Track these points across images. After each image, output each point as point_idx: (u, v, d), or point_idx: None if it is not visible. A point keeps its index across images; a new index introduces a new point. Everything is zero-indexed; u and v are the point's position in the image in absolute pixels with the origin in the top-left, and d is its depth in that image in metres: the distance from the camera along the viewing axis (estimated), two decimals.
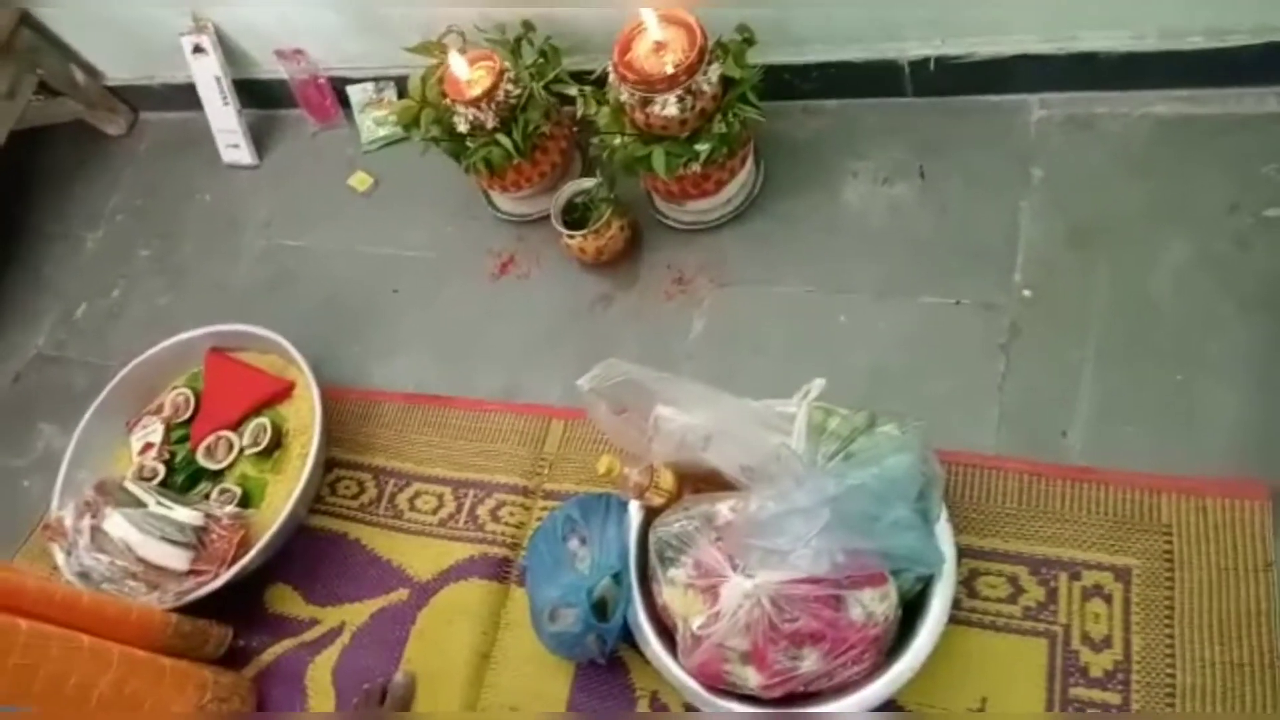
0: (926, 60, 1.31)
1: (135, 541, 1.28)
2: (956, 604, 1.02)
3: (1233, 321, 1.10)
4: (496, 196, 1.55)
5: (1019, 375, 1.15)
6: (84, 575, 1.29)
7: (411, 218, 1.63)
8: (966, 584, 1.06)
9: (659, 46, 1.21)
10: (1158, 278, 1.15)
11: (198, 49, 1.72)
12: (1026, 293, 1.20)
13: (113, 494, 1.34)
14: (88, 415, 1.48)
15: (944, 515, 1.00)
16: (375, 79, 1.72)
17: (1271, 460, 1.02)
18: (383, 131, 1.71)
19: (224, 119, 1.81)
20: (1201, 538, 1.01)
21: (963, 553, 1.05)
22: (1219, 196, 1.17)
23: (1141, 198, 1.21)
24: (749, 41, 1.25)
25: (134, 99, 2.00)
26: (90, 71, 1.91)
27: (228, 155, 1.84)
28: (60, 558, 1.32)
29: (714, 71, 1.21)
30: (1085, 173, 1.25)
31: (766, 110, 1.27)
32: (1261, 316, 1.09)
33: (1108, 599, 1.01)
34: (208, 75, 1.75)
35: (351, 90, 1.74)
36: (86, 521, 1.31)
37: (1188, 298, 1.13)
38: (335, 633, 1.27)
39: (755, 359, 1.28)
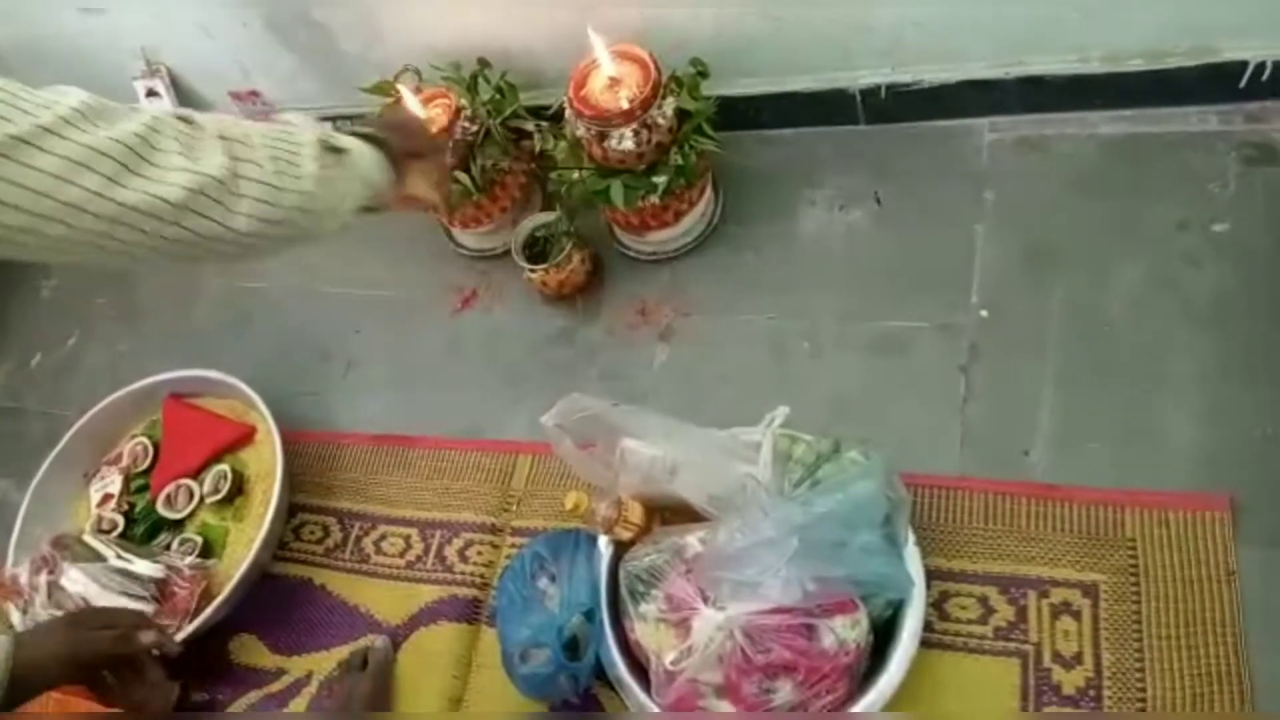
0: (878, 88, 1.33)
1: (94, 597, 1.25)
2: (928, 627, 1.02)
3: (1187, 336, 1.12)
4: (457, 232, 1.55)
5: (980, 396, 1.17)
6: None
7: (371, 256, 1.62)
8: (937, 606, 1.06)
9: (613, 82, 1.22)
10: (1112, 295, 1.17)
11: (151, 93, 1.70)
12: (984, 314, 1.21)
13: (70, 548, 1.31)
14: (44, 467, 1.45)
15: (911, 539, 1.00)
16: (332, 118, 1.72)
17: (1230, 471, 1.04)
18: None
19: None
20: (1165, 551, 1.02)
21: (932, 575, 1.05)
22: (1168, 214, 1.20)
23: (1093, 217, 1.23)
24: (703, 74, 1.27)
25: None
26: None
27: None
28: (16, 617, 1.28)
29: (669, 105, 1.22)
30: (1037, 194, 1.27)
31: (723, 141, 1.28)
32: (1214, 330, 1.11)
33: (1077, 616, 1.02)
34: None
35: None
36: (43, 578, 1.28)
37: (1143, 314, 1.15)
38: (302, 683, 1.24)
39: (720, 387, 1.28)
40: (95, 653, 1.00)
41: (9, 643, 0.93)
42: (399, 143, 0.95)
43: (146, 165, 0.69)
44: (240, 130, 0.78)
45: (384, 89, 1.40)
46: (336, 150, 0.86)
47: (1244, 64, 1.17)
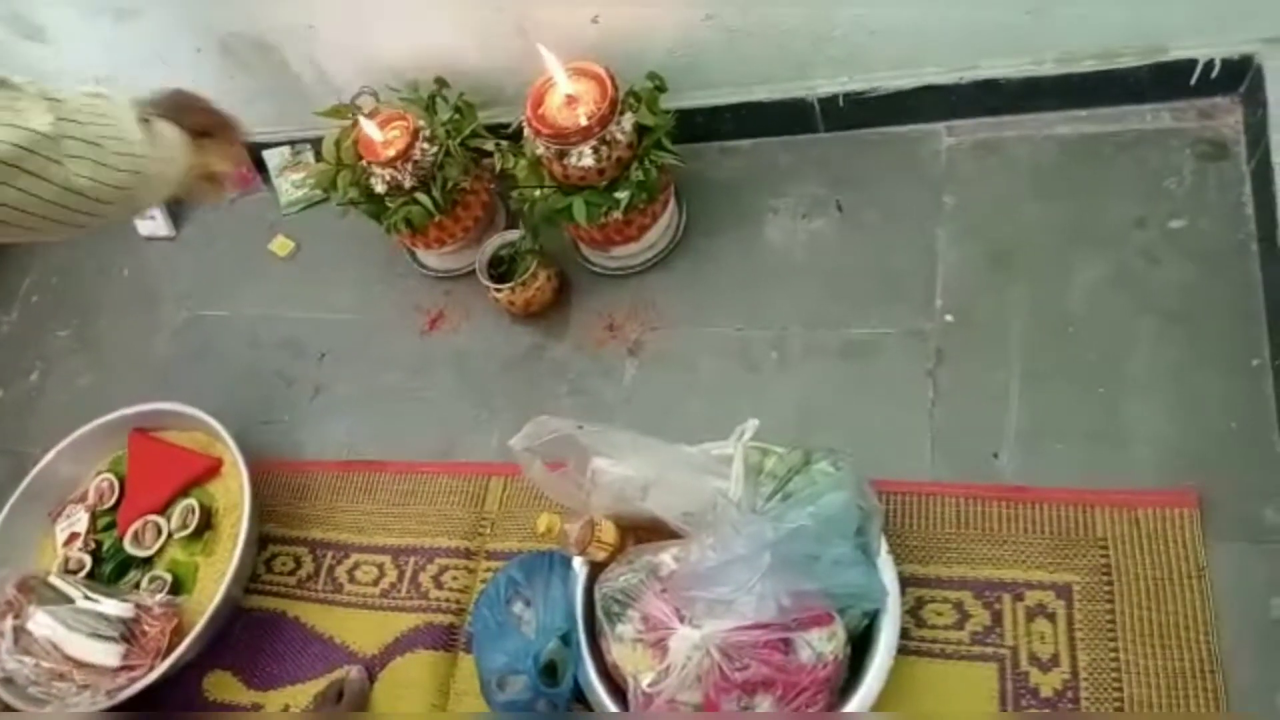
0: (835, 96, 1.33)
1: (62, 640, 1.23)
2: (905, 634, 1.03)
3: (1149, 333, 1.13)
4: (421, 253, 1.54)
5: (948, 400, 1.17)
6: (8, 681, 1.23)
7: (336, 279, 1.60)
8: (913, 613, 1.06)
9: (571, 99, 1.21)
10: (1074, 294, 1.18)
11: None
12: (949, 318, 1.22)
13: (36, 590, 1.28)
14: (7, 507, 1.42)
15: (885, 548, 1.00)
16: (291, 142, 1.70)
17: (1197, 466, 1.05)
18: (301, 194, 1.68)
19: None
20: (1136, 549, 1.03)
21: (906, 582, 1.05)
22: (1126, 212, 1.21)
23: (1052, 217, 1.24)
24: (660, 89, 1.26)
25: None
26: None
27: (144, 228, 1.80)
28: None
29: (627, 120, 1.21)
30: (996, 196, 1.28)
31: (684, 153, 1.28)
32: (1176, 326, 1.12)
33: (1051, 617, 1.02)
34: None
35: (268, 154, 1.71)
36: (9, 623, 1.25)
37: (1105, 312, 1.16)
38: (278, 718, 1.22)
39: (690, 401, 1.28)
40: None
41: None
42: (188, 121, 0.93)
43: None
44: (59, 91, 0.76)
45: (340, 112, 1.39)
46: (145, 120, 0.84)
47: (1193, 62, 1.19)
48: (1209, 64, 1.18)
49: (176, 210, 1.80)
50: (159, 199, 0.89)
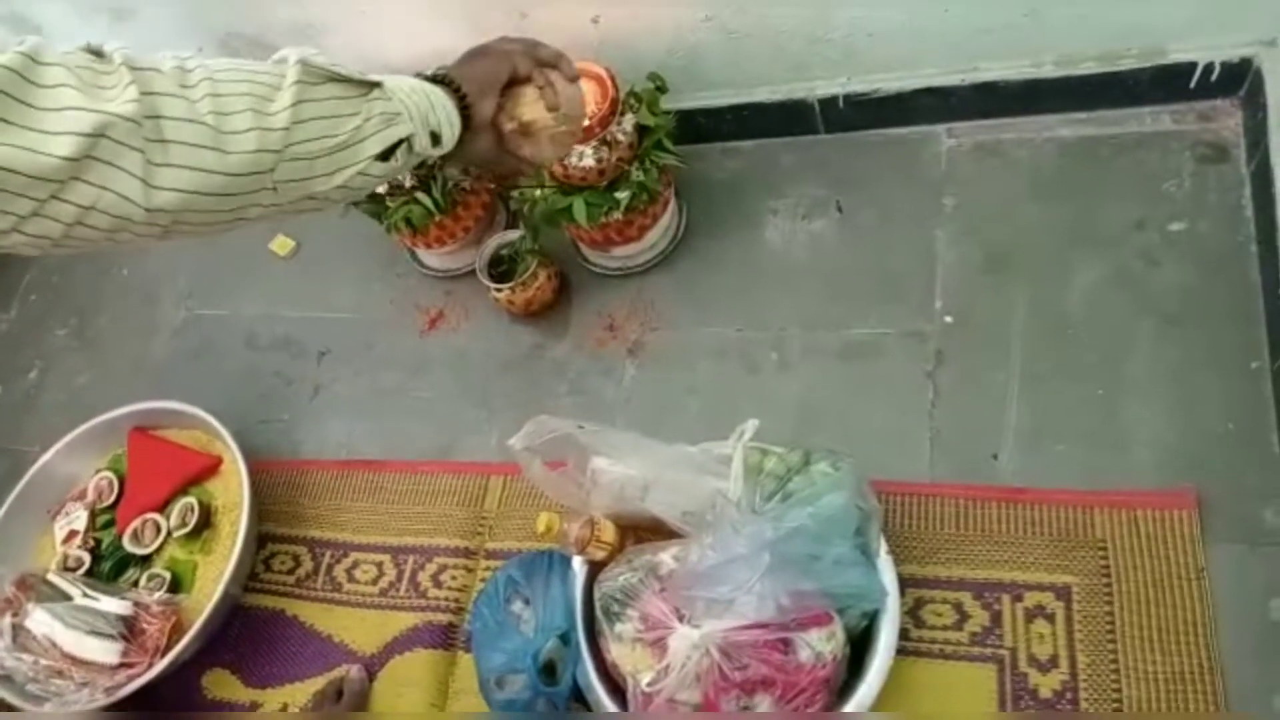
0: (835, 98, 1.33)
1: (61, 638, 1.23)
2: (904, 635, 1.03)
3: (1148, 335, 1.13)
4: (421, 253, 1.54)
5: (947, 401, 1.17)
6: (6, 678, 1.23)
7: (336, 279, 1.60)
8: (912, 614, 1.06)
9: None
10: (1074, 296, 1.18)
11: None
12: (948, 319, 1.22)
13: (35, 588, 1.28)
14: (6, 505, 1.42)
15: (884, 548, 1.00)
16: None
17: (1196, 468, 1.05)
18: None
19: None
20: (1136, 550, 1.03)
21: (906, 583, 1.05)
22: (1125, 214, 1.21)
23: (1052, 219, 1.24)
24: (661, 89, 1.27)
25: None
26: None
27: None
28: None
29: (628, 121, 1.21)
30: (996, 198, 1.28)
31: (684, 154, 1.29)
32: (1174, 328, 1.13)
33: (1050, 618, 1.02)
34: None
35: None
36: (7, 620, 1.25)
37: (1104, 314, 1.16)
38: (277, 716, 1.22)
39: (689, 401, 1.28)
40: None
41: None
42: (478, 72, 0.76)
43: (19, 108, 0.52)
44: (174, 61, 0.61)
45: None
46: (345, 80, 0.67)
47: (1193, 64, 1.19)
48: (1209, 66, 1.18)
49: None
50: (324, 196, 0.68)
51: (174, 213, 0.59)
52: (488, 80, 0.77)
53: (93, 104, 0.54)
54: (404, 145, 0.71)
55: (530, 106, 0.81)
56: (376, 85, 0.69)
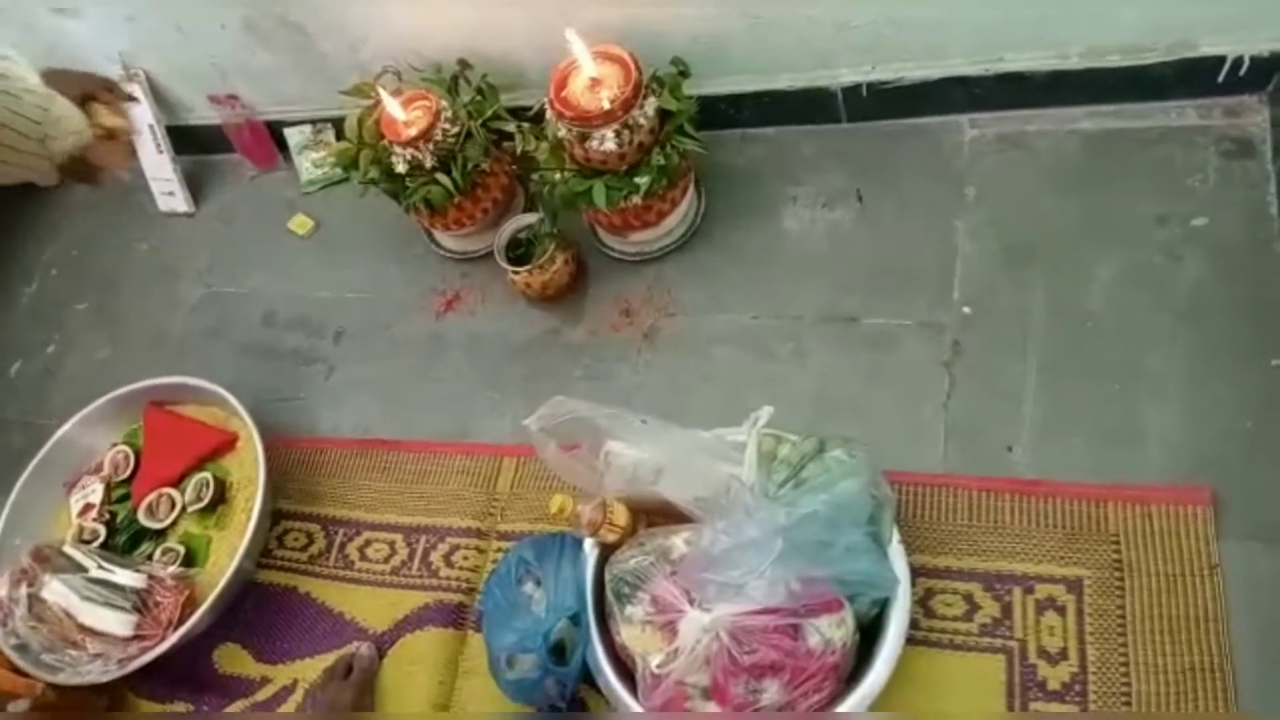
0: (858, 86, 1.33)
1: (76, 608, 1.24)
2: (914, 624, 1.02)
3: (1167, 330, 1.13)
4: (439, 234, 1.54)
5: (963, 393, 1.17)
6: (22, 648, 1.25)
7: (354, 259, 1.61)
8: (922, 604, 1.06)
9: (594, 83, 1.21)
10: (1093, 290, 1.18)
11: (130, 97, 1.68)
12: (966, 310, 1.21)
13: (51, 559, 1.29)
14: (24, 477, 1.43)
15: (896, 537, 1.00)
16: (313, 121, 1.71)
17: (1211, 464, 1.04)
18: (321, 173, 1.69)
19: (159, 167, 1.77)
20: (1148, 545, 1.03)
21: (917, 573, 1.05)
22: (1148, 208, 1.20)
23: (1073, 212, 1.23)
24: (684, 74, 1.26)
25: None
26: None
27: (164, 203, 1.81)
28: None
29: (650, 105, 1.21)
30: (1018, 190, 1.27)
31: (705, 140, 1.28)
32: (1193, 324, 1.12)
33: (1061, 611, 1.02)
34: (141, 123, 1.72)
35: (289, 133, 1.72)
36: (23, 590, 1.26)
37: (1123, 309, 1.16)
38: (288, 691, 1.23)
39: (704, 387, 1.28)
40: None
41: None
42: (65, 89, 0.97)
43: None
44: None
45: (363, 90, 1.39)
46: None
47: (1221, 59, 1.18)
48: (1237, 61, 1.17)
49: (197, 186, 1.81)
50: (70, 146, 0.94)
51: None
52: (70, 90, 0.97)
53: None
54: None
55: (108, 118, 1.01)
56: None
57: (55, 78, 0.98)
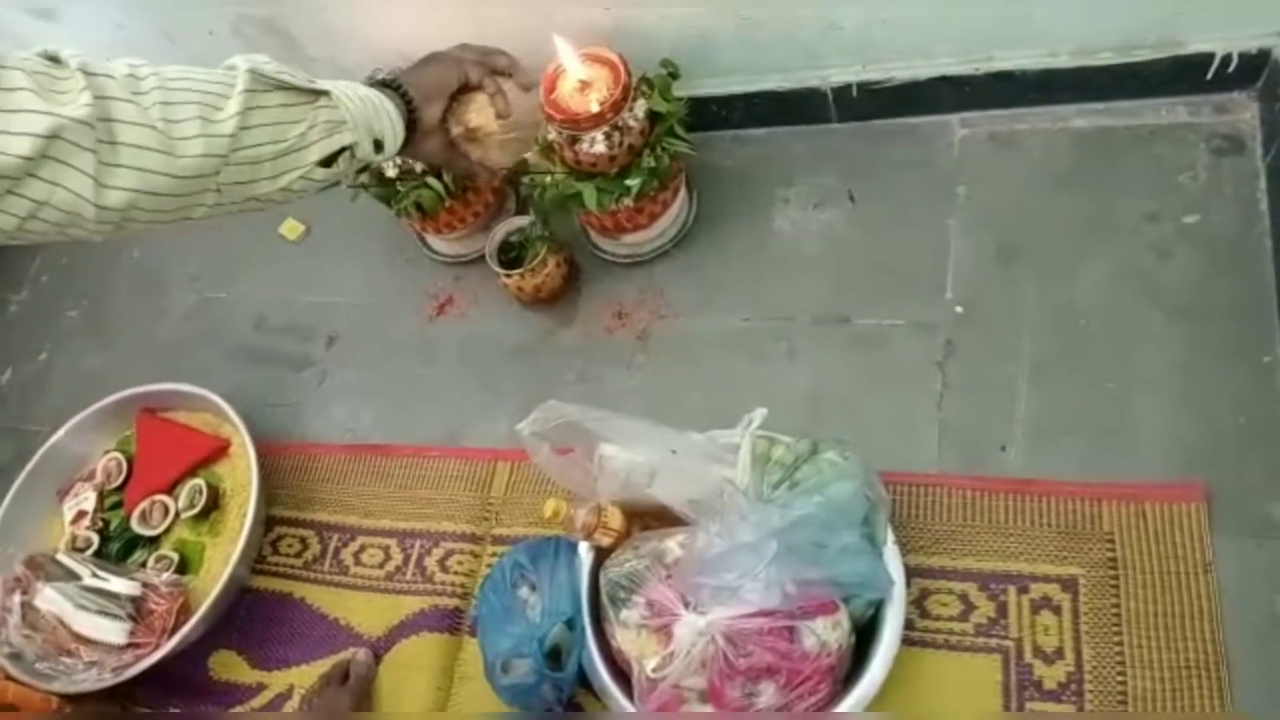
0: (849, 86, 1.33)
1: (69, 616, 1.24)
2: (909, 625, 1.02)
3: (1159, 328, 1.13)
4: (431, 238, 1.53)
5: (956, 392, 1.17)
6: (16, 656, 1.24)
7: (345, 263, 1.60)
8: (918, 604, 1.06)
9: (584, 85, 1.21)
10: (1085, 288, 1.18)
11: None
12: (959, 310, 1.21)
13: (44, 567, 1.29)
14: (15, 486, 1.42)
15: (891, 538, 1.00)
16: None
17: (1205, 461, 1.04)
18: None
19: None
20: (1143, 543, 1.03)
21: (912, 573, 1.05)
22: (1139, 206, 1.20)
23: (1065, 210, 1.23)
24: (673, 75, 1.26)
25: None
26: None
27: None
28: None
29: (640, 107, 1.21)
30: (1009, 189, 1.27)
31: (695, 141, 1.28)
32: (1185, 321, 1.12)
33: (1057, 610, 1.02)
34: None
35: None
36: (16, 599, 1.26)
37: (1115, 307, 1.16)
38: (284, 697, 1.23)
39: (697, 389, 1.28)
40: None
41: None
42: (429, 79, 0.81)
43: None
44: (126, 68, 0.65)
45: None
46: (292, 88, 0.71)
47: (1210, 56, 1.18)
48: (1226, 58, 1.17)
49: None
50: (266, 197, 0.73)
51: (122, 211, 0.64)
52: (436, 86, 0.84)
53: (48, 107, 0.58)
54: (346, 152, 0.76)
55: (478, 113, 0.87)
56: (324, 93, 0.74)
57: (410, 77, 0.86)
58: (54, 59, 0.62)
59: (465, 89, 0.86)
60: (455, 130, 0.86)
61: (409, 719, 1.17)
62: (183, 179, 0.66)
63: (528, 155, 1.02)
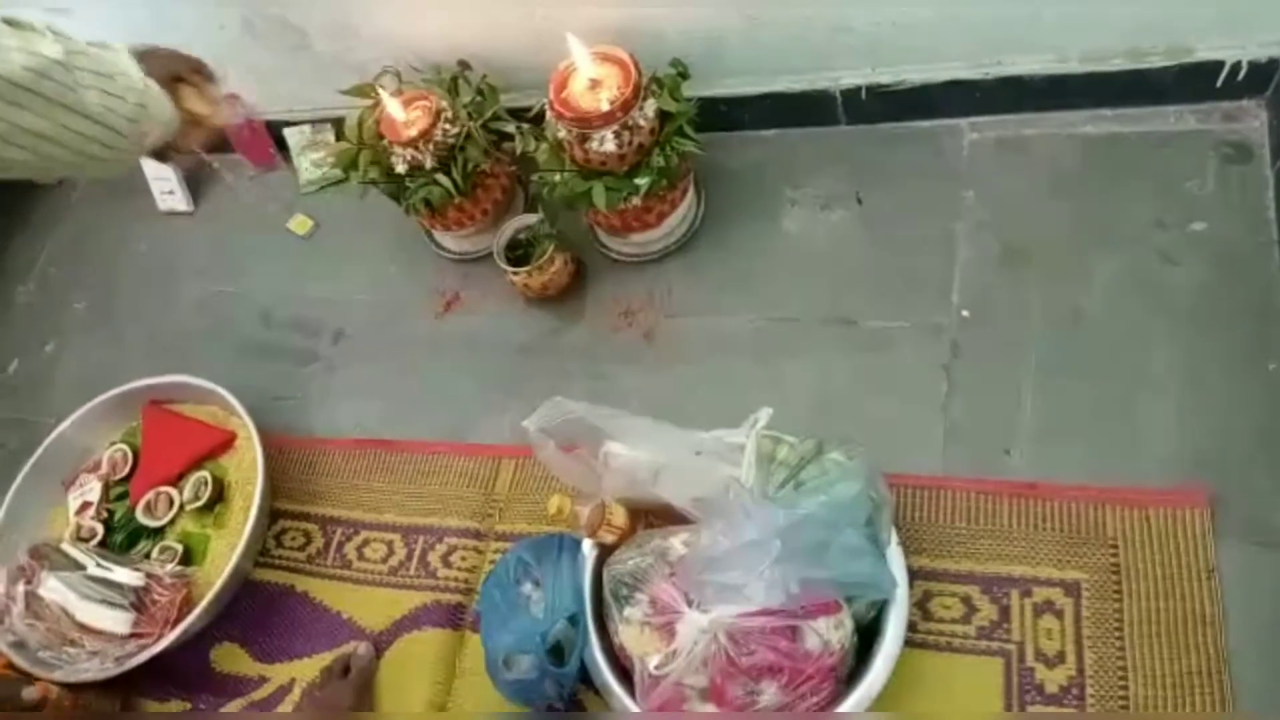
0: (858, 89, 1.33)
1: (73, 606, 1.24)
2: (912, 627, 1.03)
3: (1164, 334, 1.13)
4: (439, 235, 1.54)
5: (961, 395, 1.17)
6: (19, 645, 1.25)
7: (353, 259, 1.61)
8: (920, 606, 1.06)
9: (594, 83, 1.21)
10: (1092, 293, 1.18)
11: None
12: (965, 313, 1.21)
13: (49, 557, 1.29)
14: (21, 476, 1.43)
15: (894, 539, 1.00)
16: (312, 121, 1.70)
17: (1209, 467, 1.05)
18: (321, 174, 1.69)
19: (158, 166, 1.77)
20: (1146, 548, 1.03)
21: (915, 575, 1.06)
22: (1146, 213, 1.21)
23: (1072, 216, 1.24)
24: (683, 75, 1.26)
25: None
26: None
27: (163, 202, 1.81)
28: None
29: (650, 106, 1.21)
30: (1017, 193, 1.27)
31: (704, 141, 1.28)
32: (1190, 328, 1.12)
33: (1059, 614, 1.02)
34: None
35: (289, 133, 1.72)
36: (21, 588, 1.26)
37: (1120, 312, 1.16)
38: (285, 690, 1.23)
39: (703, 388, 1.28)
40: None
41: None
42: (155, 70, 0.92)
43: None
44: (66, 32, 0.82)
45: (364, 91, 1.39)
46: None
47: (1220, 64, 1.18)
48: (1235, 66, 1.18)
49: (196, 185, 1.81)
50: (158, 138, 0.91)
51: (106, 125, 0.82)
52: (162, 71, 0.93)
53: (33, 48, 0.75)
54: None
55: (195, 101, 0.97)
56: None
57: (146, 58, 0.92)
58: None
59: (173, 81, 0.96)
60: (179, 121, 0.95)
61: (409, 719, 1.16)
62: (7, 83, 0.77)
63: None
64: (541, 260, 1.35)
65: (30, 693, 1.02)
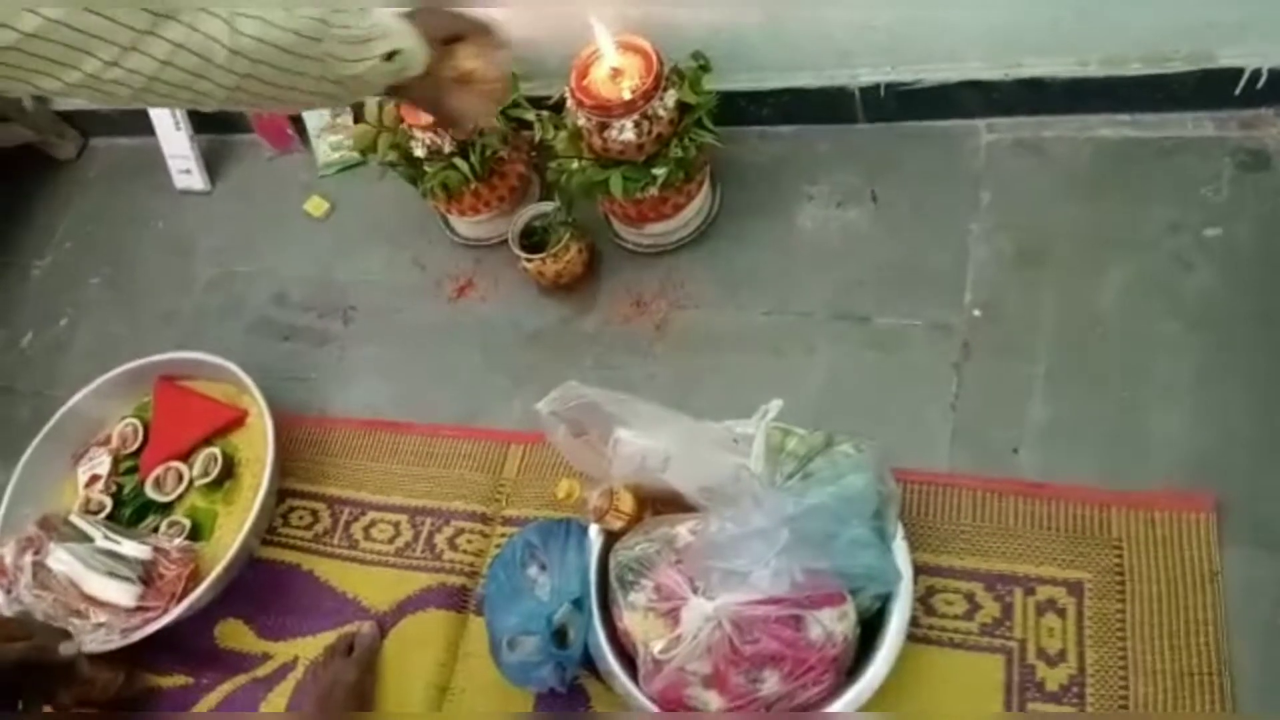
0: (877, 87, 1.33)
1: (80, 577, 1.25)
2: (914, 622, 1.03)
3: (1176, 338, 1.13)
4: (454, 220, 1.55)
5: (971, 394, 1.17)
6: (25, 615, 1.25)
7: (368, 242, 1.62)
8: (924, 601, 1.06)
9: (616, 73, 1.22)
10: (1104, 296, 1.18)
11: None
12: (977, 313, 1.22)
13: (57, 528, 1.30)
14: (32, 448, 1.44)
15: (900, 533, 1.01)
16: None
17: (1216, 472, 1.05)
18: (339, 156, 1.70)
19: (176, 144, 1.78)
20: (1151, 550, 1.03)
21: (919, 570, 1.06)
22: (1161, 217, 1.21)
23: (1087, 219, 1.24)
24: (705, 68, 1.27)
25: (84, 124, 1.97)
26: (38, 96, 1.88)
27: (180, 181, 1.82)
28: (0, 597, 1.27)
29: (670, 97, 1.22)
30: (1032, 195, 1.28)
31: (723, 135, 1.29)
32: (1203, 333, 1.12)
33: (1062, 613, 1.02)
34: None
35: (308, 115, 1.73)
36: (29, 558, 1.27)
37: (1133, 316, 1.16)
38: (288, 667, 1.24)
39: (714, 380, 1.29)
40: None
41: None
42: (430, 25, 0.87)
43: None
44: None
45: None
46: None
47: (1240, 71, 1.18)
48: (1255, 73, 1.17)
49: (213, 165, 1.82)
50: (359, 75, 0.81)
51: (251, 60, 0.72)
52: (439, 29, 0.88)
53: None
54: (399, 55, 0.83)
55: (471, 59, 0.92)
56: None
57: (423, 16, 0.87)
58: None
59: (453, 39, 0.91)
60: (450, 74, 0.91)
61: (409, 719, 1.17)
62: (299, 37, 0.74)
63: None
64: (556, 248, 1.36)
65: (69, 648, 1.00)
